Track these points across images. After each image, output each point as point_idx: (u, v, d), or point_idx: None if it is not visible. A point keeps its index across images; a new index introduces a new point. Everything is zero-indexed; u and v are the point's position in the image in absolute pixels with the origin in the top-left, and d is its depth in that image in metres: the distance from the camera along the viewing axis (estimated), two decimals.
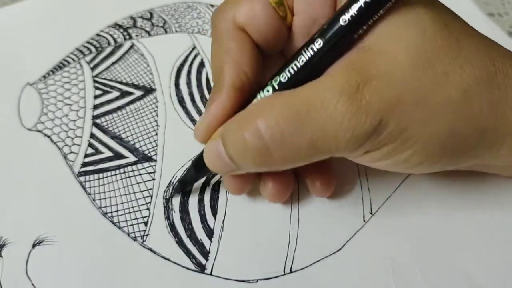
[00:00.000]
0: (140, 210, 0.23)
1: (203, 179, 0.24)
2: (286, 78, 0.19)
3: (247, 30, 0.20)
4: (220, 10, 0.21)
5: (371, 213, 0.23)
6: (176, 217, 0.23)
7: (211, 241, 0.22)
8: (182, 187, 0.24)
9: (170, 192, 0.24)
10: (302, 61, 0.19)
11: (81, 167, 0.25)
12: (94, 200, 0.24)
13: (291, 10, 0.20)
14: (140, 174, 0.25)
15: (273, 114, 0.18)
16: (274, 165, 0.19)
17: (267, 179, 0.22)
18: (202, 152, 0.21)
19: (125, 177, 0.25)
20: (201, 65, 0.31)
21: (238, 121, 0.19)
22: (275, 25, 0.20)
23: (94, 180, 0.25)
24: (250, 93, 0.20)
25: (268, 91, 0.20)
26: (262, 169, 0.20)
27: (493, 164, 0.21)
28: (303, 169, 0.22)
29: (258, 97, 0.20)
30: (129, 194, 0.24)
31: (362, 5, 0.17)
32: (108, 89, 0.29)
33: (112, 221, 0.23)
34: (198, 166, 0.22)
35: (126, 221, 0.23)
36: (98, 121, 0.27)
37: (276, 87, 0.19)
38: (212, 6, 0.35)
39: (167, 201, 0.24)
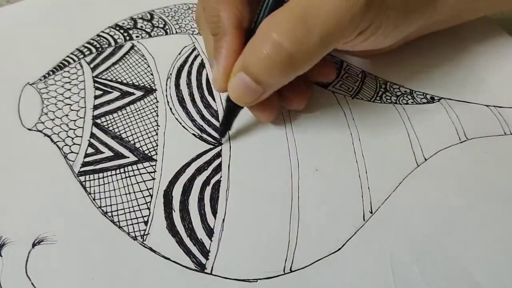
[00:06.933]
0: (140, 210, 0.23)
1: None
2: None
3: None
4: None
5: (371, 213, 0.23)
6: (176, 216, 0.23)
7: (211, 241, 0.22)
8: (226, 127, 0.26)
9: (220, 135, 0.26)
10: None
11: (81, 167, 0.25)
12: (94, 199, 0.24)
13: None
14: (140, 174, 0.25)
15: (283, 25, 0.20)
16: (298, 68, 0.22)
17: (287, 94, 0.26)
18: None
19: (125, 177, 0.25)
20: (202, 65, 0.31)
21: (254, 45, 0.22)
22: None
23: (94, 179, 0.25)
24: (249, 30, 0.23)
25: (268, 3, 0.22)
26: (288, 78, 0.22)
27: (438, 20, 0.27)
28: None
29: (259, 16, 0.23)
30: (129, 193, 0.24)
31: None
32: (109, 89, 0.29)
33: (112, 221, 0.23)
34: (230, 105, 0.24)
35: (126, 220, 0.23)
36: (98, 121, 0.27)
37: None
38: None
39: (219, 142, 0.26)
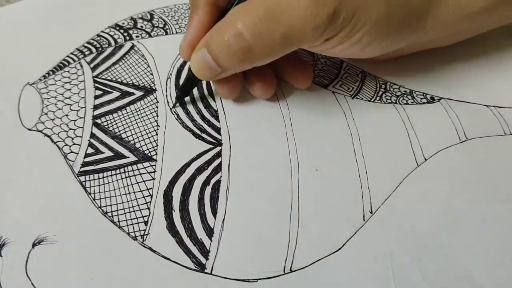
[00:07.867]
0: (140, 210, 0.23)
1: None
2: None
3: None
4: None
5: (371, 212, 0.23)
6: (176, 216, 0.23)
7: (211, 241, 0.22)
8: (182, 94, 0.28)
9: (173, 103, 0.28)
10: None
11: (81, 167, 0.25)
12: (94, 199, 0.24)
13: None
14: (140, 174, 0.25)
15: (249, 17, 0.21)
16: (255, 60, 0.22)
17: (252, 79, 0.27)
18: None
19: (125, 177, 0.25)
20: None
21: (220, 28, 0.22)
22: None
23: (94, 179, 0.25)
24: (223, 9, 0.24)
25: None
26: (246, 66, 0.23)
27: (432, 39, 0.27)
28: (283, 68, 0.28)
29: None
30: (129, 193, 0.24)
31: None
32: (109, 89, 0.29)
33: (112, 221, 0.23)
34: (191, 75, 0.25)
35: (126, 220, 0.23)
36: (98, 121, 0.27)
37: None
38: None
39: (171, 110, 0.28)
